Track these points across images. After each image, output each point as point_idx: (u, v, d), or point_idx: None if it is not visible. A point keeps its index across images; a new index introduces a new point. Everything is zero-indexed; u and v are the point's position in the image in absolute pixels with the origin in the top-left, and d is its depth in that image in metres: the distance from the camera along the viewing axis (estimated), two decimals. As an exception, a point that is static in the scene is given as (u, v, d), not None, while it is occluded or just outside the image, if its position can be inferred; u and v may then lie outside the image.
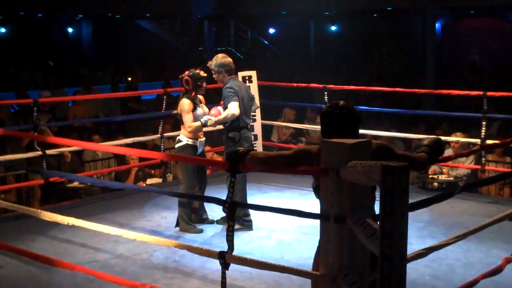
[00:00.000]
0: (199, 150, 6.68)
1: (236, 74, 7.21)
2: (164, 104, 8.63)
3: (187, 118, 6.53)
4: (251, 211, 6.65)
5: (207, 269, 5.43)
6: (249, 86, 8.00)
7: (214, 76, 6.71)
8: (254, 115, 8.98)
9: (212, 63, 6.65)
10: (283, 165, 3.80)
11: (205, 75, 6.76)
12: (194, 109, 6.58)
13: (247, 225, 6.57)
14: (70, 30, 21.43)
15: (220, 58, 6.66)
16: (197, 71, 6.75)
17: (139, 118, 10.55)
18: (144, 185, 8.96)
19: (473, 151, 6.31)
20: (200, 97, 6.86)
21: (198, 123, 6.52)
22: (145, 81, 15.68)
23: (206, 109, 6.77)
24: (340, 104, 3.70)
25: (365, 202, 3.42)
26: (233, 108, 6.42)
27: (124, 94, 11.54)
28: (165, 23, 21.92)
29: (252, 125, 8.98)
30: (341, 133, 3.60)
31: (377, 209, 2.85)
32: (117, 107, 12.21)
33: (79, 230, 5.99)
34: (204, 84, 6.75)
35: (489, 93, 7.99)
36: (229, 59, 6.66)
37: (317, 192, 3.71)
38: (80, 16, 20.55)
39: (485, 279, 4.64)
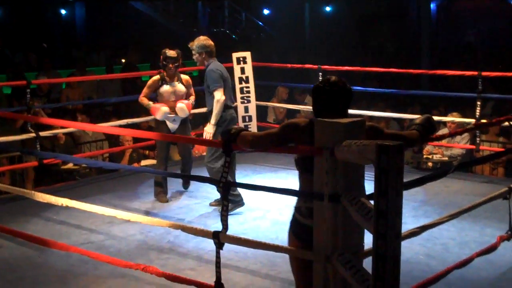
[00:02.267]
0: (172, 126, 6.89)
1: (230, 55, 7.22)
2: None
3: (143, 91, 6.98)
4: (247, 191, 6.64)
5: (201, 249, 5.43)
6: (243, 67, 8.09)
7: (194, 57, 6.80)
8: (249, 96, 8.96)
9: (194, 44, 6.70)
10: (272, 144, 3.73)
11: (174, 55, 6.94)
12: (160, 86, 6.93)
13: (238, 201, 6.53)
14: (63, 11, 21.31)
15: (202, 39, 6.70)
16: (166, 50, 7.00)
17: (133, 100, 10.48)
18: (138, 166, 8.94)
19: (467, 129, 6.31)
20: (185, 77, 7.13)
21: (146, 102, 6.93)
22: (139, 63, 15.62)
23: (179, 88, 7.01)
24: (331, 80, 3.58)
25: (360, 181, 3.42)
26: (219, 96, 6.50)
27: (119, 75, 11.46)
28: (159, 5, 21.80)
29: (247, 106, 8.97)
30: (329, 111, 3.50)
31: (368, 188, 2.86)
32: (112, 88, 12.16)
33: (73, 212, 5.98)
34: (171, 65, 6.92)
35: (483, 73, 7.98)
36: (211, 42, 6.72)
37: (299, 164, 3.67)
38: (74, -3, 20.45)
39: (480, 258, 4.66)
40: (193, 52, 6.73)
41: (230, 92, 6.76)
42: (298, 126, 3.59)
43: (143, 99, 6.95)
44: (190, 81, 7.24)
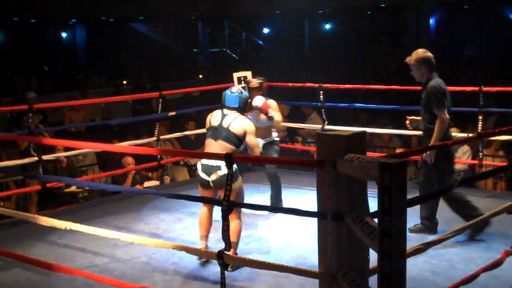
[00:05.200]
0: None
1: (231, 75, 7.22)
2: (160, 107, 8.62)
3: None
4: (251, 211, 6.64)
5: (206, 270, 5.42)
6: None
7: (413, 73, 6.20)
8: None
9: (412, 59, 6.11)
10: None
11: (256, 85, 7.23)
12: None
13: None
14: (64, 34, 21.41)
15: (420, 53, 6.14)
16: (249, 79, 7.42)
17: (135, 121, 10.52)
18: (141, 188, 8.94)
19: (470, 138, 6.35)
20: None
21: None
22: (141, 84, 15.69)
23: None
24: None
25: (362, 196, 3.41)
26: (443, 116, 5.87)
27: (121, 98, 11.52)
28: (159, 25, 21.90)
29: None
30: None
31: (372, 204, 2.85)
32: (117, 110, 12.24)
33: (77, 235, 5.96)
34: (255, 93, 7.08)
35: (484, 89, 7.99)
36: (430, 54, 6.15)
37: None
38: (74, 20, 20.53)
39: (485, 273, 4.63)
40: (412, 67, 6.14)
41: (450, 110, 6.08)
42: None
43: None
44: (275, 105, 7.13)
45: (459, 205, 5.96)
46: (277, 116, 7.03)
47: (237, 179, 5.40)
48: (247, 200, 6.65)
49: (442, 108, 5.86)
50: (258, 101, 6.87)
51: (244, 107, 5.78)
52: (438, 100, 5.88)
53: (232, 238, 4.99)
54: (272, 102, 7.09)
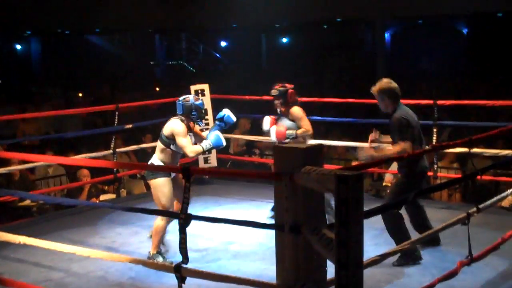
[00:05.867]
0: None
1: (188, 88, 7.13)
2: (116, 119, 8.56)
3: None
4: (208, 223, 6.61)
5: (164, 283, 5.37)
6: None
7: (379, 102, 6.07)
8: (208, 129, 8.95)
9: (376, 89, 6.00)
10: None
11: (275, 93, 6.92)
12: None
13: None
14: (18, 46, 21.14)
15: (384, 83, 5.99)
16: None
17: (91, 134, 10.42)
18: (97, 201, 8.84)
19: (425, 151, 6.40)
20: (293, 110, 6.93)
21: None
22: (97, 97, 15.57)
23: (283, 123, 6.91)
24: None
25: (320, 209, 3.43)
26: (407, 148, 5.69)
27: (76, 110, 11.37)
28: (116, 38, 21.78)
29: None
30: None
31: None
32: (70, 122, 12.11)
33: (32, 249, 5.85)
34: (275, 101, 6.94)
35: (439, 102, 8.12)
36: (394, 85, 6.00)
37: None
38: (29, 32, 20.28)
39: (441, 283, 4.69)
40: (376, 97, 6.07)
41: (421, 141, 5.98)
42: None
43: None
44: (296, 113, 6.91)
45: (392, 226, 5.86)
46: (304, 123, 6.89)
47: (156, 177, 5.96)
48: (206, 213, 6.64)
49: (405, 140, 5.71)
50: (272, 135, 6.82)
51: (188, 114, 6.08)
52: (400, 132, 5.78)
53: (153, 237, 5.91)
54: (296, 110, 6.88)
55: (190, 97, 6.15)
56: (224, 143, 6.24)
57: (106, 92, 16.07)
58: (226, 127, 6.45)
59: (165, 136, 6.01)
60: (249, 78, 17.86)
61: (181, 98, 6.15)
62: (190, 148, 5.97)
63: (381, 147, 6.20)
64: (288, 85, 6.93)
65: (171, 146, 6.02)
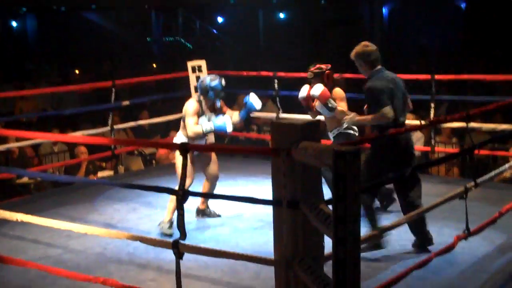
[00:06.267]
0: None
1: (185, 64, 7.06)
2: (113, 96, 8.53)
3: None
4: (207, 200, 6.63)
5: (162, 259, 5.39)
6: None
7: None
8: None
9: (352, 55, 5.71)
10: None
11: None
12: None
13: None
14: (14, 24, 21.02)
15: (359, 47, 5.66)
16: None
17: (89, 111, 10.39)
18: (95, 178, 8.84)
19: (423, 125, 6.37)
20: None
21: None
22: (94, 74, 15.50)
23: None
24: None
25: (317, 184, 3.43)
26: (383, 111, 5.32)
27: (74, 87, 11.36)
28: (112, 15, 21.65)
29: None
30: None
31: (326, 192, 2.87)
32: (68, 99, 12.08)
33: (30, 226, 5.85)
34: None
35: (437, 77, 8.10)
36: (371, 48, 5.59)
37: None
38: (24, 9, 20.14)
39: (438, 258, 4.71)
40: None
41: (402, 112, 5.50)
42: None
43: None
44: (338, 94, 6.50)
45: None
46: (342, 106, 6.35)
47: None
48: (203, 189, 6.63)
49: (382, 106, 5.28)
50: (316, 90, 6.25)
51: (205, 94, 6.23)
52: (375, 99, 5.36)
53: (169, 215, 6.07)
54: (337, 91, 6.45)
55: (207, 78, 6.28)
56: (230, 129, 6.20)
57: (103, 69, 15.98)
58: (250, 113, 6.49)
59: (183, 114, 6.25)
60: (246, 54, 17.79)
61: (201, 78, 6.36)
62: (190, 127, 6.11)
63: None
64: (324, 66, 6.55)
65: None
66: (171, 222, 6.04)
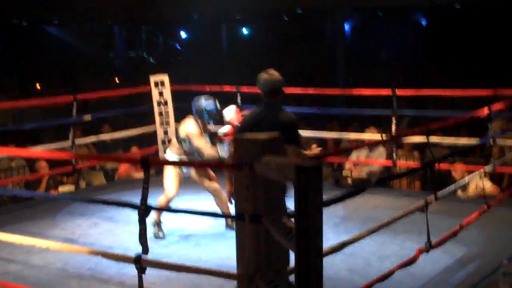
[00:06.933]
0: None
1: (148, 79, 6.98)
2: (75, 110, 8.45)
3: None
4: (169, 214, 6.60)
5: (124, 274, 5.33)
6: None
7: None
8: (168, 120, 8.89)
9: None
10: None
11: None
12: None
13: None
14: (-26, 37, 20.76)
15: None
16: None
17: (50, 126, 10.29)
18: (56, 193, 8.74)
19: (384, 140, 6.44)
20: None
21: None
22: (56, 88, 15.35)
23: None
24: None
25: (280, 197, 3.44)
26: None
27: (33, 101, 11.22)
28: (74, 29, 21.50)
29: (166, 130, 8.91)
30: None
31: (289, 204, 2.86)
32: (29, 114, 11.95)
33: (-11, 242, 5.79)
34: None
35: (398, 92, 8.19)
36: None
37: None
38: (-15, 23, 19.92)
39: (400, 270, 4.75)
40: None
41: None
42: None
43: None
44: None
45: None
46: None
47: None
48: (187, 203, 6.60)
49: None
50: (228, 113, 6.43)
51: (200, 114, 6.36)
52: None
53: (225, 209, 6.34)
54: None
55: (202, 101, 6.42)
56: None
57: (64, 83, 15.84)
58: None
59: (181, 137, 6.40)
60: (210, 69, 17.81)
61: (195, 98, 6.48)
62: (207, 149, 6.27)
63: None
64: None
65: (183, 145, 6.40)
66: (158, 225, 6.32)
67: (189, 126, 6.36)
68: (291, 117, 4.83)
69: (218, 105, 6.48)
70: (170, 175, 6.37)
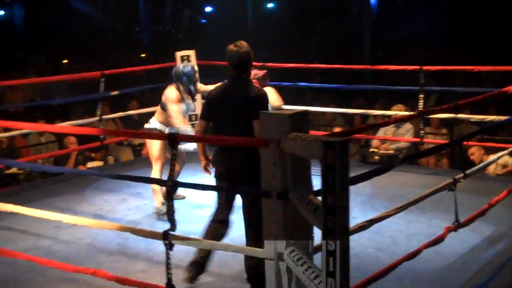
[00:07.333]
0: None
1: (173, 54, 7.01)
2: (102, 86, 8.49)
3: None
4: (197, 191, 6.62)
5: (152, 250, 5.39)
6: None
7: None
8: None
9: None
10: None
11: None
12: None
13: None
14: (1, 13, 20.88)
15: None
16: None
17: (78, 101, 10.36)
18: (84, 168, 8.82)
19: (411, 116, 6.38)
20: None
21: None
22: (82, 63, 15.45)
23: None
24: None
25: (306, 175, 3.43)
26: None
27: (61, 77, 11.29)
28: (100, 4, 21.53)
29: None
30: None
31: (315, 183, 2.85)
32: (57, 89, 12.03)
33: (19, 217, 5.83)
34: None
35: (425, 67, 8.10)
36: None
37: None
38: (11, -2, 20.04)
39: (428, 249, 4.72)
40: None
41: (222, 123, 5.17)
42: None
43: None
44: None
45: None
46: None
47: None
48: (194, 180, 6.63)
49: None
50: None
51: (179, 79, 6.47)
52: None
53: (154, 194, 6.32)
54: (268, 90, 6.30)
55: (180, 65, 6.68)
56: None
57: (90, 58, 15.90)
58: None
59: (162, 101, 6.46)
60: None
61: (175, 67, 6.64)
62: (177, 117, 6.32)
63: None
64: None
65: (166, 111, 6.45)
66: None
67: (169, 92, 6.44)
68: (260, 92, 4.74)
69: (196, 67, 6.74)
70: (156, 145, 6.43)
